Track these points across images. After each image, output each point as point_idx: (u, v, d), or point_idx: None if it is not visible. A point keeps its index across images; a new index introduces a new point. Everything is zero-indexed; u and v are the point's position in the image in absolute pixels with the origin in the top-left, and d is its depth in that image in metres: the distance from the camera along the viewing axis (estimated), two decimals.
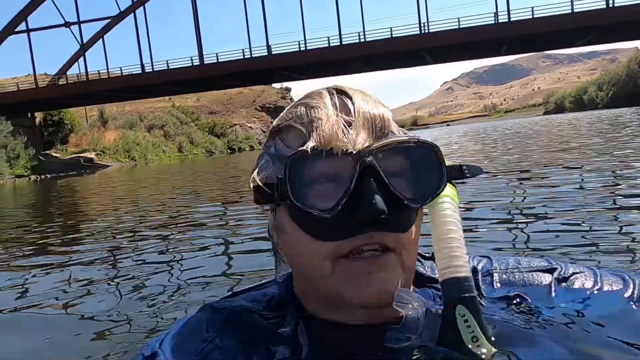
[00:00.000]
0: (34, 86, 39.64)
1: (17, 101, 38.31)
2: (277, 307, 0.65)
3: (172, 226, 4.82)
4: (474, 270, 0.71)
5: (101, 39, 40.47)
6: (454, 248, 0.57)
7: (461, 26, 33.95)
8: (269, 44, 36.80)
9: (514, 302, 0.66)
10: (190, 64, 38.34)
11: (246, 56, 37.66)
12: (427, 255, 0.74)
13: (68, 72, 40.97)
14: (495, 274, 0.72)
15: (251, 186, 0.60)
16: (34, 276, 3.08)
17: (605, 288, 0.69)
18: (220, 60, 38.09)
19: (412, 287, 0.63)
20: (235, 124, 79.43)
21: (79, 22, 40.22)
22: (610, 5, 31.13)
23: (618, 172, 5.07)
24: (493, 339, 0.54)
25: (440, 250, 0.58)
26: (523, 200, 4.11)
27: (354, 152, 0.55)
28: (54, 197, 12.12)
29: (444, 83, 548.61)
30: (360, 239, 0.55)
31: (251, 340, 0.60)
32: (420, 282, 0.68)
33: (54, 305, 2.35)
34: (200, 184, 11.13)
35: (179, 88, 42.47)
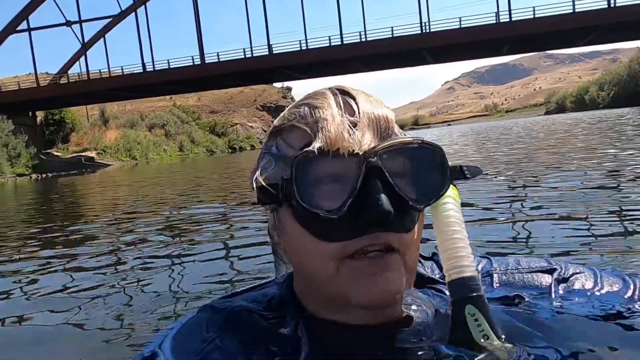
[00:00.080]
0: (35, 85, 39.66)
1: (19, 100, 38.36)
2: (277, 308, 0.65)
3: (173, 226, 4.83)
4: None
5: (102, 38, 40.48)
6: (459, 248, 0.58)
7: (462, 26, 33.89)
8: (270, 43, 36.82)
9: (514, 303, 0.66)
10: (192, 63, 38.35)
11: (247, 55, 37.66)
12: (426, 256, 0.74)
13: (69, 71, 41.00)
14: (494, 275, 0.72)
15: (254, 186, 0.60)
16: (34, 275, 3.08)
17: (606, 289, 0.69)
18: (221, 60, 38.08)
19: (412, 288, 0.63)
20: (236, 123, 79.48)
21: (80, 21, 40.23)
22: (612, 5, 31.08)
23: (618, 171, 5.07)
24: (503, 336, 0.54)
25: (445, 251, 0.58)
26: (523, 200, 4.11)
27: (360, 153, 0.56)
28: (55, 196, 12.13)
29: (445, 83, 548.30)
30: (366, 240, 0.55)
31: (251, 340, 0.60)
32: (421, 282, 0.67)
33: (53, 305, 2.35)
34: (200, 184, 11.13)
35: (180, 87, 42.50)
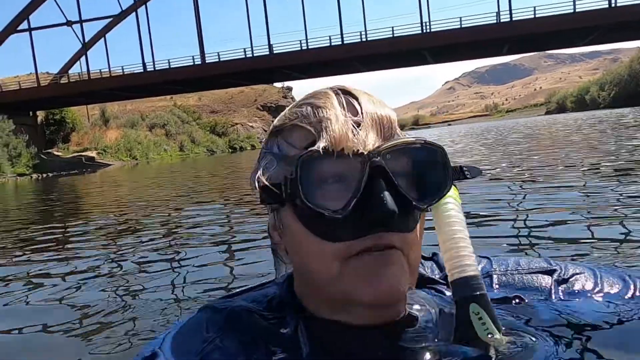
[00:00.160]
0: (36, 85, 39.68)
1: (19, 100, 38.39)
2: (277, 308, 0.65)
3: (173, 226, 4.83)
4: None
5: (103, 38, 40.52)
6: (461, 248, 0.58)
7: (463, 26, 33.89)
8: (271, 43, 36.83)
9: (513, 303, 0.66)
10: (192, 63, 38.37)
11: (247, 55, 37.68)
12: (426, 256, 0.74)
13: (70, 71, 41.05)
14: (494, 276, 0.72)
15: (256, 186, 0.60)
16: (34, 275, 3.08)
17: (606, 289, 0.69)
18: (221, 60, 38.10)
19: (414, 289, 0.64)
20: (236, 123, 79.49)
21: (80, 21, 40.25)
22: (612, 5, 31.06)
23: (619, 171, 5.06)
24: (507, 337, 0.55)
25: (447, 251, 0.58)
26: (523, 200, 4.10)
27: (365, 153, 0.56)
28: (56, 196, 12.13)
29: (446, 82, 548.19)
30: (370, 240, 0.56)
31: (251, 340, 0.59)
32: (421, 282, 0.67)
33: (53, 305, 2.35)
34: (201, 184, 11.13)
35: (180, 87, 42.51)
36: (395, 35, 34.98)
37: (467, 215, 3.38)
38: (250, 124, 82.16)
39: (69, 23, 40.47)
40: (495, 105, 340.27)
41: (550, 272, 0.71)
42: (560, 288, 0.69)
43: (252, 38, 37.51)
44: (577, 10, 31.70)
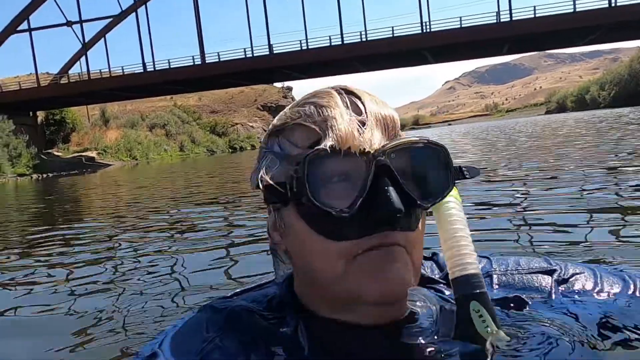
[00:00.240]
0: (36, 85, 39.68)
1: (19, 100, 38.39)
2: (277, 308, 0.65)
3: (173, 226, 4.83)
4: None
5: (103, 38, 40.51)
6: (462, 246, 0.58)
7: (463, 25, 33.88)
8: (271, 43, 36.83)
9: (513, 303, 0.66)
10: (192, 63, 38.36)
11: (248, 55, 37.68)
12: (426, 256, 0.75)
13: (70, 71, 41.04)
14: (494, 276, 0.71)
15: (258, 185, 0.60)
16: (33, 275, 3.08)
17: (606, 289, 0.69)
18: (221, 60, 38.10)
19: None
20: (236, 123, 79.50)
21: (80, 21, 40.24)
22: (613, 5, 31.05)
23: (619, 171, 5.06)
24: (507, 335, 0.55)
25: (449, 249, 0.59)
26: (523, 200, 4.10)
27: (371, 152, 0.56)
28: (56, 196, 12.14)
29: (446, 82, 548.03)
30: (376, 238, 0.56)
31: (251, 340, 0.59)
32: (421, 282, 0.67)
33: (53, 305, 2.35)
34: (201, 184, 11.13)
35: (180, 87, 42.49)
36: (395, 35, 34.97)
37: (467, 215, 3.37)
38: (251, 124, 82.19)
39: (69, 23, 40.47)
40: (495, 105, 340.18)
41: (550, 272, 0.71)
42: (560, 288, 0.69)
43: (252, 38, 37.57)
44: (577, 9, 31.70)
